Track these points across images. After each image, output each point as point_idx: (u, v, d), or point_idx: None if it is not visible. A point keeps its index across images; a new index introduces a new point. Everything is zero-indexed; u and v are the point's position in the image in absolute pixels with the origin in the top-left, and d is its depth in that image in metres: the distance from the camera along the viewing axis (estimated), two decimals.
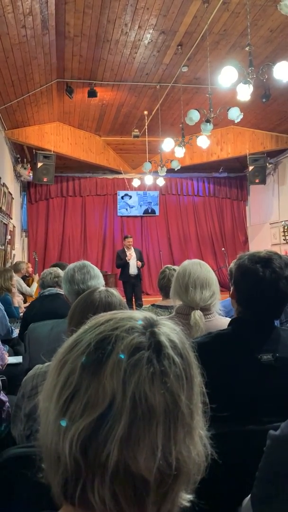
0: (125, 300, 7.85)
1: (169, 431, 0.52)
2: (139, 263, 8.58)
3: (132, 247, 8.77)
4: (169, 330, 0.58)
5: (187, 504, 0.58)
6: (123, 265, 8.64)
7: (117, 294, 1.47)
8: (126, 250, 8.68)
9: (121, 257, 8.71)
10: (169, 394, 0.53)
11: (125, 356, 0.53)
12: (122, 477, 0.50)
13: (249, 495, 1.02)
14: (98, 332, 0.56)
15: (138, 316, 0.59)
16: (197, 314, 1.91)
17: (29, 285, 7.26)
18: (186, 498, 0.58)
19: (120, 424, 0.50)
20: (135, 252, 8.73)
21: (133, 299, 8.53)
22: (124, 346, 0.54)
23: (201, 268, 2.02)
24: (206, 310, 1.97)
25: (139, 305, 7.76)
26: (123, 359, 0.53)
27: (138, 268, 8.61)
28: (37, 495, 0.68)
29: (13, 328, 4.18)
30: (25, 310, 4.17)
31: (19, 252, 9.92)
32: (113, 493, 0.51)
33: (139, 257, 8.67)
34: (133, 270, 8.59)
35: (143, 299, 8.72)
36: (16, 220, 9.29)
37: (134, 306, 7.91)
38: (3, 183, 7.46)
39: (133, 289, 8.58)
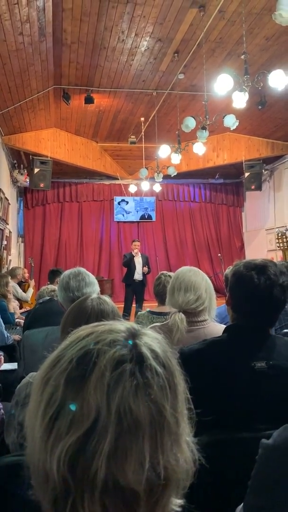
0: (123, 305, 7.81)
1: (155, 441, 0.52)
2: (146, 268, 8.58)
3: (139, 253, 8.80)
4: (150, 340, 0.58)
5: (178, 510, 0.58)
6: (129, 263, 8.67)
7: (109, 301, 1.45)
8: (133, 254, 8.71)
9: (127, 256, 8.78)
10: (154, 405, 0.53)
11: (108, 371, 0.52)
12: (111, 491, 0.50)
13: (242, 504, 1.02)
14: (79, 347, 0.56)
15: (120, 328, 0.58)
16: (178, 315, 1.87)
17: (25, 291, 7.26)
18: (177, 503, 0.57)
19: (107, 439, 0.50)
20: (142, 257, 8.76)
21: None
22: (106, 360, 0.53)
23: (190, 273, 2.02)
24: (193, 315, 1.93)
25: (137, 311, 7.74)
26: (106, 374, 0.52)
27: (144, 274, 8.62)
28: (31, 504, 0.68)
29: (8, 334, 4.17)
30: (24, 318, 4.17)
31: (15, 258, 9.89)
32: (104, 507, 0.50)
33: (146, 263, 8.68)
34: (137, 276, 8.61)
35: None
36: (12, 225, 9.27)
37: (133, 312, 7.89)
38: (0, 189, 7.46)
39: (134, 293, 8.57)
